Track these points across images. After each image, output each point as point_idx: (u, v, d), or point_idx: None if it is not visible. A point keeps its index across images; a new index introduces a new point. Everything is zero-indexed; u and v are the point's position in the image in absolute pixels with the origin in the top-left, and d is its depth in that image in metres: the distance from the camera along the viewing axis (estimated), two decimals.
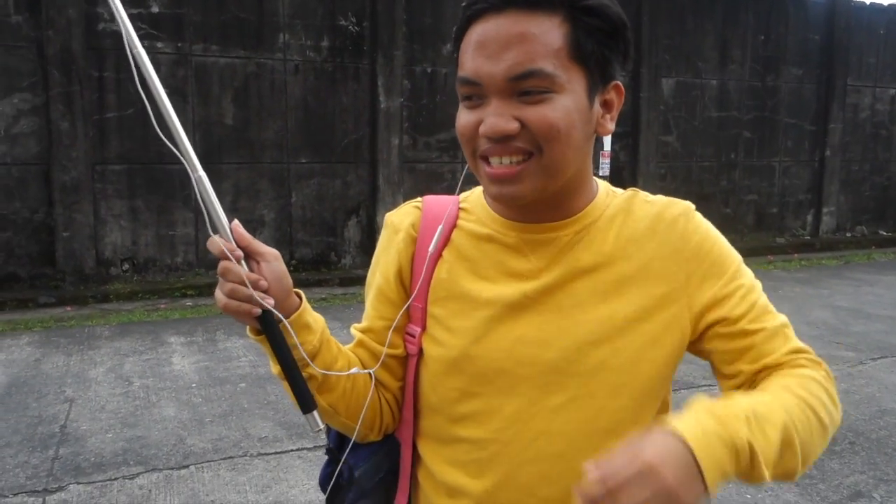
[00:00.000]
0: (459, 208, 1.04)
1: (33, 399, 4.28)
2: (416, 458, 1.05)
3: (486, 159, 0.90)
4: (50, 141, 7.07)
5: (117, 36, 7.76)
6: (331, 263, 8.46)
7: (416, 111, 8.69)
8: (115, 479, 3.30)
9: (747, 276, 0.98)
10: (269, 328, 0.90)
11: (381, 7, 8.28)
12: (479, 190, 1.04)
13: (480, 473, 0.96)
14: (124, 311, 6.64)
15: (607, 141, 8.88)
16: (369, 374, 1.01)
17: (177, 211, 7.74)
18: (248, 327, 0.92)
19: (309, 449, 3.63)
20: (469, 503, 0.97)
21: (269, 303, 0.88)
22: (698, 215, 1.00)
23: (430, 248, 1.00)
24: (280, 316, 0.90)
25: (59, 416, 4.03)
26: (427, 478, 1.03)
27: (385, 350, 1.01)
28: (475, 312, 0.96)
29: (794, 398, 0.85)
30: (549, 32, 0.85)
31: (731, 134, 10.62)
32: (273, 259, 0.91)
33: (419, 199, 1.08)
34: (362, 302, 1.10)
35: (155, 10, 7.41)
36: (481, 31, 0.86)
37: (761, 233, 10.97)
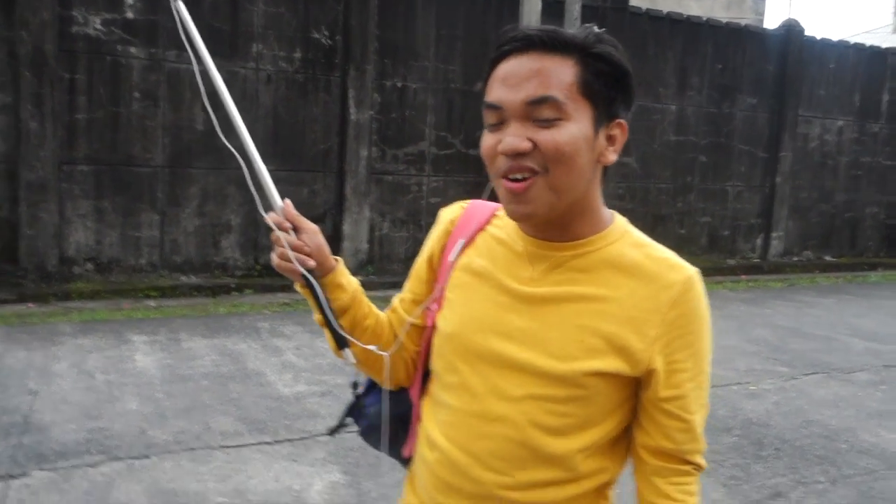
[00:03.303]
0: (494, 215, 1.22)
1: None
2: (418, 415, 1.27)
3: (505, 178, 1.05)
4: (18, 140, 7.13)
5: (90, 39, 7.79)
6: None
7: (385, 124, 8.91)
8: (78, 466, 3.43)
9: (706, 364, 1.12)
10: (310, 284, 1.16)
11: (355, 22, 8.51)
12: None
13: (449, 435, 1.15)
14: (87, 310, 6.71)
15: None
16: (379, 352, 1.24)
17: (143, 213, 7.82)
18: (296, 283, 1.19)
19: (269, 443, 3.80)
20: (438, 456, 1.16)
21: (309, 264, 1.15)
22: (696, 288, 1.09)
23: (451, 256, 1.21)
24: (309, 275, 1.15)
25: (21, 406, 4.13)
26: (421, 430, 1.24)
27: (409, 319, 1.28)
28: (477, 297, 1.16)
29: None
30: (562, 70, 1.02)
31: (687, 158, 11.04)
32: (314, 232, 1.17)
33: (468, 201, 1.29)
34: None
35: (130, 15, 7.52)
36: (506, 67, 1.04)
37: (713, 254, 11.38)
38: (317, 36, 8.49)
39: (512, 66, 1.04)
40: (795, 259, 12.09)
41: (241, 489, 3.30)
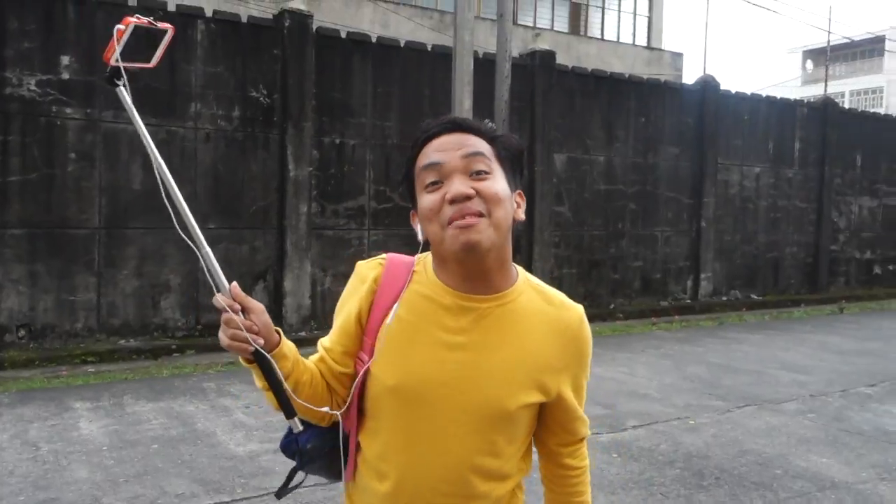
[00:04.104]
0: (413, 271, 1.37)
1: None
2: (357, 447, 1.39)
3: (451, 224, 1.23)
4: None
5: (24, 100, 7.66)
6: None
7: (324, 180, 9.04)
8: None
9: (589, 373, 1.45)
10: (260, 359, 1.26)
11: (292, 80, 8.68)
12: (430, 257, 1.39)
13: (400, 469, 1.32)
14: (22, 378, 6.50)
15: None
16: (331, 412, 1.36)
17: (79, 276, 7.67)
18: (240, 357, 1.27)
19: (226, 503, 3.77)
20: (388, 484, 1.32)
21: (259, 342, 1.24)
22: (585, 320, 1.41)
23: (389, 320, 1.33)
24: (265, 352, 1.25)
25: None
26: (363, 462, 1.38)
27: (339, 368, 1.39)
28: (413, 350, 1.31)
29: None
30: (482, 142, 1.31)
31: (617, 205, 11.51)
32: (261, 312, 1.26)
33: (384, 256, 1.42)
34: None
35: (65, 76, 7.51)
36: (439, 141, 1.29)
37: (647, 297, 11.81)
38: (255, 94, 8.62)
39: (445, 139, 1.30)
40: (724, 298, 12.65)
41: None
